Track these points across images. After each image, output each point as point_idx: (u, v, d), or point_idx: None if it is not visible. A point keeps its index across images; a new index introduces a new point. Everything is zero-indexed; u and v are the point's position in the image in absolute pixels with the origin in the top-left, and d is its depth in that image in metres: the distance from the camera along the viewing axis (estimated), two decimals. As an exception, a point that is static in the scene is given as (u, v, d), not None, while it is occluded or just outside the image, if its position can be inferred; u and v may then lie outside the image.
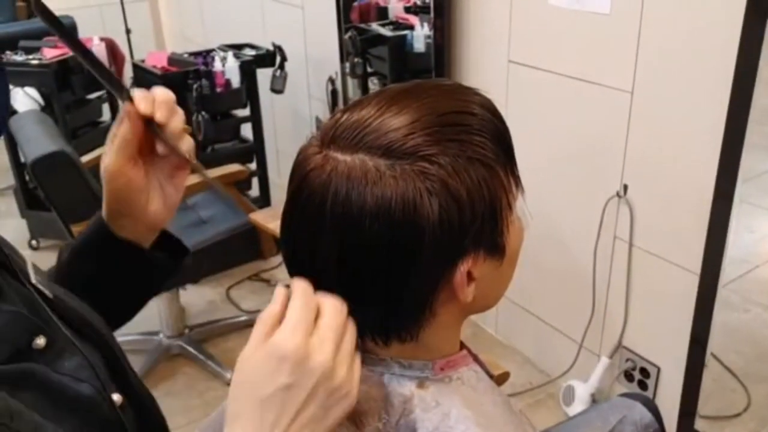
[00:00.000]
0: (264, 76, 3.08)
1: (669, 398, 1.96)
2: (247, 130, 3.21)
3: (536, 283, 2.33)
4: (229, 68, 2.95)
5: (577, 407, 2.15)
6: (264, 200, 3.24)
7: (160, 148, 0.73)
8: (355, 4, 2.86)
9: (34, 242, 3.32)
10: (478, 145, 0.63)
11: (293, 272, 0.66)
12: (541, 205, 2.14)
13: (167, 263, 0.80)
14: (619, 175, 1.94)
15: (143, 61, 3.07)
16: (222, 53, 3.02)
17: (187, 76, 2.86)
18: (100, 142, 3.25)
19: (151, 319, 2.56)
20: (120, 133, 0.69)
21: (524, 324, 2.46)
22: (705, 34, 1.62)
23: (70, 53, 3.12)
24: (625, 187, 1.93)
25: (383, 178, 0.60)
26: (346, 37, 2.83)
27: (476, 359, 0.75)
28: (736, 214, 1.67)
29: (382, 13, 2.85)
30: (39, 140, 2.15)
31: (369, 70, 2.88)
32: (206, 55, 3.03)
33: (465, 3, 2.25)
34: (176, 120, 0.72)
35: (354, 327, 0.61)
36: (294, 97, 3.29)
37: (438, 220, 0.61)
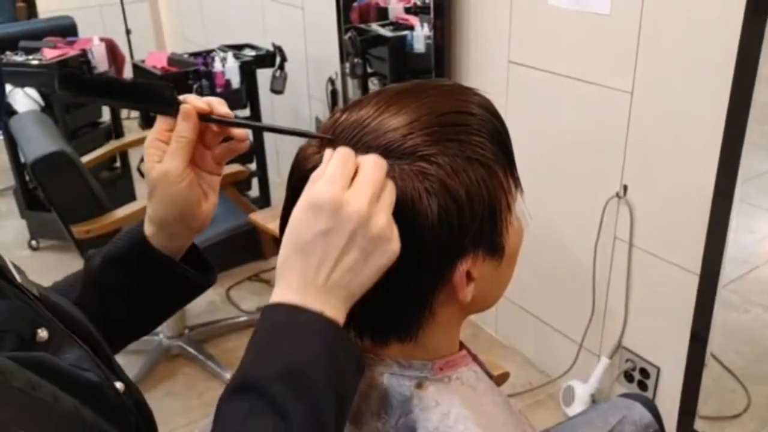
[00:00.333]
0: (264, 76, 3.08)
1: (669, 398, 1.96)
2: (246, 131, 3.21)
3: (536, 283, 2.33)
4: (229, 68, 2.95)
5: (576, 408, 2.15)
6: (264, 200, 3.24)
7: (212, 141, 0.74)
8: (355, 4, 2.86)
9: (33, 243, 3.32)
10: (477, 145, 0.63)
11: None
12: (541, 205, 2.14)
13: (200, 280, 0.81)
14: (618, 175, 1.94)
15: (143, 61, 3.07)
16: (222, 53, 3.02)
17: (187, 77, 2.85)
18: (99, 142, 3.25)
19: (151, 319, 2.55)
20: (182, 133, 0.70)
21: (524, 324, 2.46)
22: (705, 34, 1.62)
23: (70, 54, 3.14)
24: (625, 188, 1.93)
25: None
26: (346, 37, 2.83)
27: (475, 359, 0.75)
28: (736, 215, 1.66)
29: (382, 13, 2.85)
30: (39, 141, 2.16)
31: (369, 70, 2.88)
32: (206, 55, 3.03)
33: (465, 3, 2.25)
34: (227, 110, 0.73)
35: (393, 185, 0.61)
36: (294, 97, 3.29)
37: (437, 220, 0.61)
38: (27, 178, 3.21)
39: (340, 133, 0.64)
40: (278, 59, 3.04)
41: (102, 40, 3.35)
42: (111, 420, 0.60)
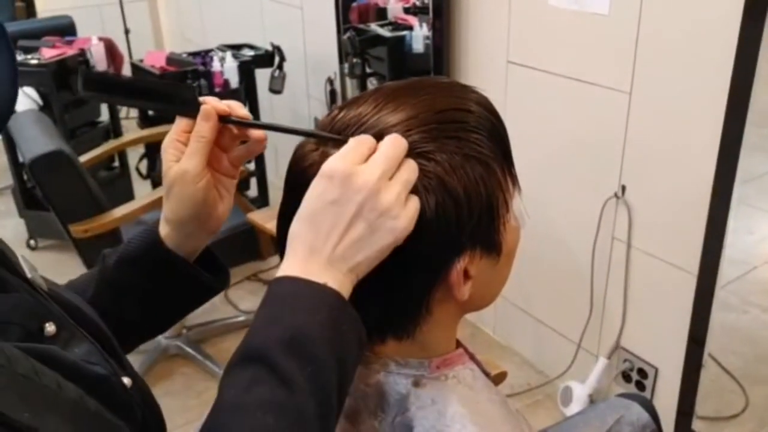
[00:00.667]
0: (262, 76, 3.08)
1: (667, 399, 1.96)
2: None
3: (534, 283, 2.33)
4: (227, 68, 2.95)
5: (574, 408, 2.15)
6: (262, 200, 3.24)
7: (229, 144, 0.74)
8: (354, 4, 2.86)
9: (32, 242, 3.31)
10: (475, 143, 0.63)
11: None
12: (539, 205, 2.14)
13: (213, 282, 0.81)
14: (617, 175, 1.94)
15: (142, 61, 3.07)
16: (221, 53, 3.02)
17: (185, 76, 2.85)
18: (98, 142, 3.25)
19: (149, 319, 2.55)
20: (202, 133, 0.70)
21: (522, 325, 2.46)
22: (703, 35, 1.62)
23: (69, 53, 3.14)
24: (623, 188, 1.93)
25: None
26: (345, 37, 2.83)
27: (473, 358, 0.75)
28: (734, 215, 1.67)
29: (381, 13, 2.85)
30: (37, 140, 2.15)
31: (368, 70, 2.88)
32: (205, 55, 3.03)
33: (464, 4, 2.26)
34: (246, 113, 0.74)
35: (414, 164, 0.61)
36: (293, 97, 3.29)
37: (435, 216, 0.61)
38: (25, 177, 3.21)
39: (339, 131, 0.64)
40: (277, 59, 3.04)
41: (101, 39, 3.35)
42: (117, 413, 0.60)
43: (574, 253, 2.16)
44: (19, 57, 3.10)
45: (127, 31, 4.15)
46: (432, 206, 0.61)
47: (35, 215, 3.26)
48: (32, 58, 3.11)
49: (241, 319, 2.78)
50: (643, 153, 1.86)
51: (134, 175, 3.50)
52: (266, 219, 2.24)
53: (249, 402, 0.55)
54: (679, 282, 1.84)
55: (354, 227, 0.59)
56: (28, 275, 0.65)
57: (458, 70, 2.36)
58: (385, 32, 2.75)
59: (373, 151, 0.60)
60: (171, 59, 2.97)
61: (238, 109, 0.72)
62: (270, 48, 3.07)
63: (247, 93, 3.04)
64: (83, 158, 2.52)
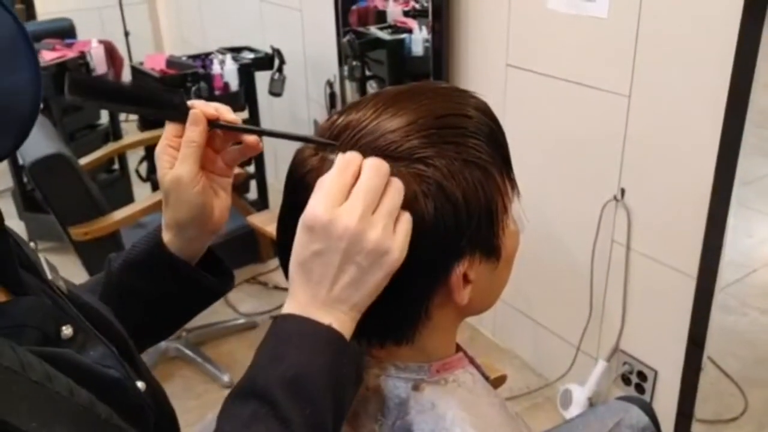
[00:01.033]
0: (262, 79, 3.08)
1: (666, 402, 1.96)
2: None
3: (534, 286, 2.33)
4: (227, 71, 2.95)
5: (574, 411, 2.15)
6: (262, 203, 3.24)
7: (221, 145, 0.75)
8: (354, 7, 2.87)
9: (32, 244, 3.28)
10: (473, 148, 0.63)
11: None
12: (539, 208, 2.14)
13: (216, 285, 0.81)
14: (616, 178, 1.94)
15: (142, 63, 3.07)
16: (220, 56, 3.02)
17: (185, 79, 2.85)
18: (97, 144, 3.24)
19: (148, 321, 2.55)
20: (192, 138, 0.70)
21: (522, 328, 2.46)
22: (702, 38, 1.62)
23: (68, 56, 3.14)
24: (623, 191, 1.93)
25: None
26: (345, 40, 2.83)
27: (472, 362, 0.76)
28: (734, 218, 1.67)
29: (380, 16, 2.86)
30: (37, 142, 2.15)
31: (367, 73, 2.88)
32: (205, 57, 3.03)
33: (463, 7, 2.26)
34: (234, 117, 0.74)
35: (399, 184, 0.60)
36: (292, 100, 3.29)
37: (434, 222, 0.61)
38: (25, 179, 3.21)
39: (338, 135, 0.64)
40: (277, 62, 3.04)
41: (100, 42, 3.35)
42: (129, 417, 0.60)
43: (573, 256, 2.17)
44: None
45: (126, 34, 4.15)
46: (431, 211, 0.61)
47: (35, 218, 3.26)
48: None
49: (241, 321, 2.77)
50: (642, 156, 1.86)
51: (134, 177, 3.50)
52: (266, 222, 2.24)
53: None
54: (679, 285, 1.84)
55: (345, 272, 0.59)
56: (48, 277, 0.66)
57: (457, 73, 2.36)
58: (385, 35, 2.76)
59: (358, 175, 0.60)
60: (171, 62, 2.97)
61: (225, 112, 0.72)
62: (270, 51, 3.07)
63: (246, 96, 3.05)
64: (83, 161, 2.53)
